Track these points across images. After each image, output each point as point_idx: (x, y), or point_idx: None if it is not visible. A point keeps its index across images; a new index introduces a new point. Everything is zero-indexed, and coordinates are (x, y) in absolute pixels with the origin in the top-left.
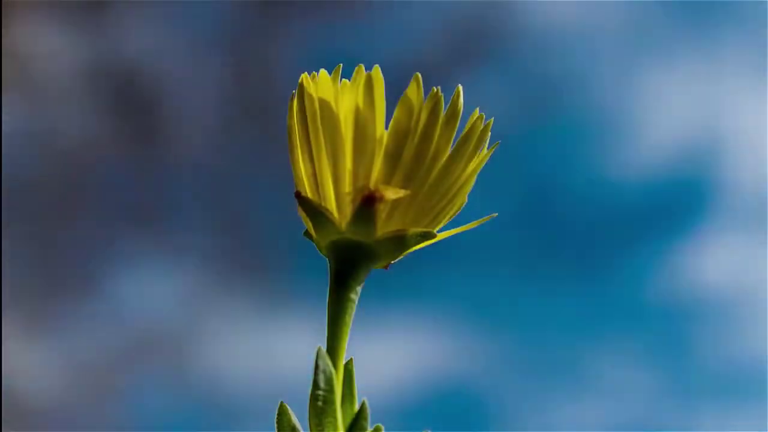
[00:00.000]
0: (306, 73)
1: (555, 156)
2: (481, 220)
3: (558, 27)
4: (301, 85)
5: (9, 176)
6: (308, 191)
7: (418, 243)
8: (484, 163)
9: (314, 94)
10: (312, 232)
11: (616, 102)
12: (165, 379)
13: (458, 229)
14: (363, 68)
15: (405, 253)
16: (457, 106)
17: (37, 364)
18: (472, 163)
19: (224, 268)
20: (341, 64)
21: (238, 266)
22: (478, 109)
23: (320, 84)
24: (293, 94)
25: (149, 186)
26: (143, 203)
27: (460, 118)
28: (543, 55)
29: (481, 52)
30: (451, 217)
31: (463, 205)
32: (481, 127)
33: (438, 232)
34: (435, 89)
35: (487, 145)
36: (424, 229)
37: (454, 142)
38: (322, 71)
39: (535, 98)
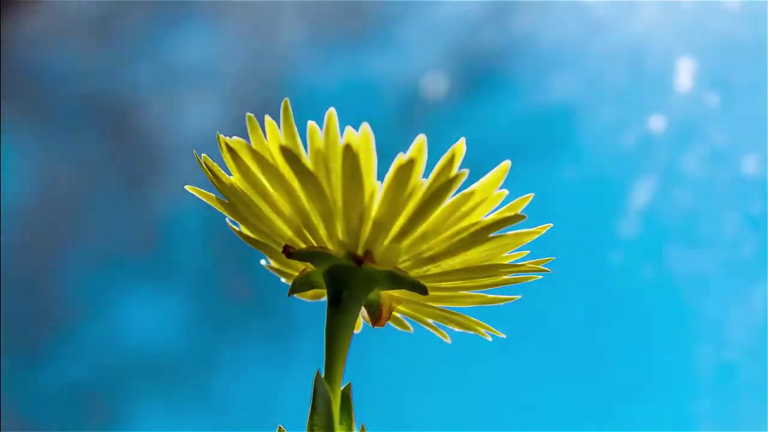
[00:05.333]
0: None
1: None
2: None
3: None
4: (248, 140)
5: (5, 198)
6: (295, 244)
7: (411, 289)
8: (519, 271)
9: (273, 144)
10: (308, 266)
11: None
12: (163, 405)
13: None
14: (334, 114)
15: (400, 287)
16: (499, 181)
17: (34, 387)
18: (490, 252)
19: (221, 296)
20: (287, 99)
21: (236, 293)
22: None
23: (274, 133)
24: (232, 148)
25: (146, 215)
26: (140, 231)
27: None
28: (549, 78)
29: (484, 74)
30: (470, 300)
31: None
32: (510, 218)
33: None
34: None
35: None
36: (419, 282)
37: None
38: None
39: (540, 121)
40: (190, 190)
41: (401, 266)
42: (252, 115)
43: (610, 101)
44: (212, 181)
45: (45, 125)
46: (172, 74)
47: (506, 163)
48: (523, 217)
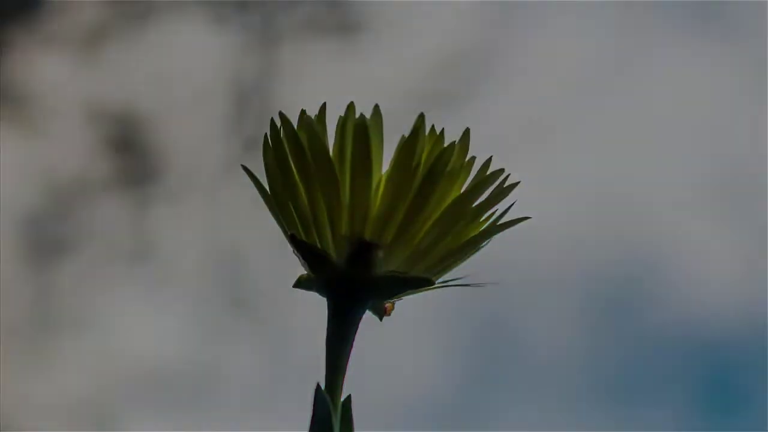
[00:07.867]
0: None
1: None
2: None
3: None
4: (281, 125)
5: (5, 210)
6: (302, 234)
7: (417, 287)
8: (498, 230)
9: (301, 132)
10: (308, 271)
11: None
12: (161, 416)
13: (455, 283)
14: (354, 107)
15: (403, 294)
16: (466, 149)
17: (33, 401)
18: (479, 224)
19: (221, 305)
20: (325, 102)
21: (236, 303)
22: (499, 167)
23: (305, 122)
24: (269, 134)
25: (146, 224)
26: (139, 241)
27: (465, 165)
28: (543, 82)
29: (481, 79)
30: (454, 267)
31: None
32: (495, 183)
33: (440, 282)
34: (436, 136)
35: (502, 205)
36: (423, 276)
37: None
38: (304, 110)
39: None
40: (244, 170)
41: (401, 268)
42: (304, 109)
43: None
44: (264, 162)
45: (45, 132)
46: (172, 81)
47: (467, 129)
48: (503, 170)
